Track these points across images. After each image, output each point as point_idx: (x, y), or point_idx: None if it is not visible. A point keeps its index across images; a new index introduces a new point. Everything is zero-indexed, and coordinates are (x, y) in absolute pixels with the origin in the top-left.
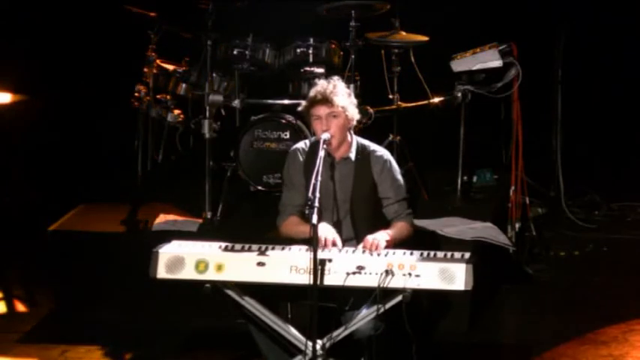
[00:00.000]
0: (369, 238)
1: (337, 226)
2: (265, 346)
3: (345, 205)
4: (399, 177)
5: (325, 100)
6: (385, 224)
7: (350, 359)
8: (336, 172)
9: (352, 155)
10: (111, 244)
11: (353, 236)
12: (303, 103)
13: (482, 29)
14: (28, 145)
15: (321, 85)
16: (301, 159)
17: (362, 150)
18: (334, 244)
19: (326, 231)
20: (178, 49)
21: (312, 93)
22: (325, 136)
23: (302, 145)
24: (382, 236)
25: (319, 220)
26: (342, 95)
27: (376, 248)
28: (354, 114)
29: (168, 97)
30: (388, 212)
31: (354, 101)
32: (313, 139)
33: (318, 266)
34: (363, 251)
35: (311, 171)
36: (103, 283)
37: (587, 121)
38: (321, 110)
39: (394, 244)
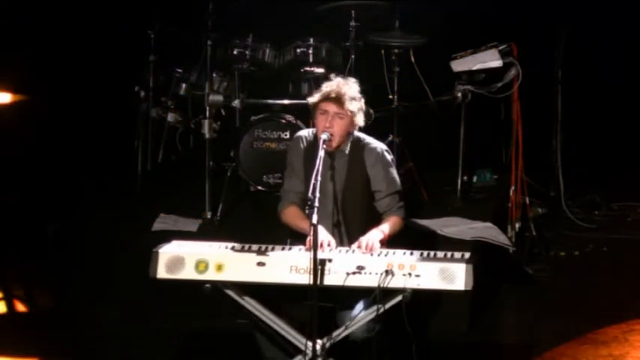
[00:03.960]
0: (363, 239)
1: (327, 218)
2: (265, 346)
3: (338, 197)
4: (393, 170)
5: (338, 100)
6: (377, 218)
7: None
8: (330, 167)
9: (346, 149)
10: (111, 244)
11: (344, 230)
12: (315, 94)
13: (482, 29)
14: (28, 144)
15: (337, 83)
16: (302, 147)
17: (356, 143)
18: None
19: (322, 235)
20: (178, 49)
21: (326, 88)
22: (325, 135)
23: (306, 133)
24: (376, 235)
25: (318, 219)
26: (355, 100)
27: (371, 250)
28: (360, 121)
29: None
30: (380, 206)
31: (363, 107)
32: (314, 130)
33: (318, 266)
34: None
35: (310, 162)
36: (103, 283)
37: (587, 121)
38: (330, 107)
39: (387, 239)
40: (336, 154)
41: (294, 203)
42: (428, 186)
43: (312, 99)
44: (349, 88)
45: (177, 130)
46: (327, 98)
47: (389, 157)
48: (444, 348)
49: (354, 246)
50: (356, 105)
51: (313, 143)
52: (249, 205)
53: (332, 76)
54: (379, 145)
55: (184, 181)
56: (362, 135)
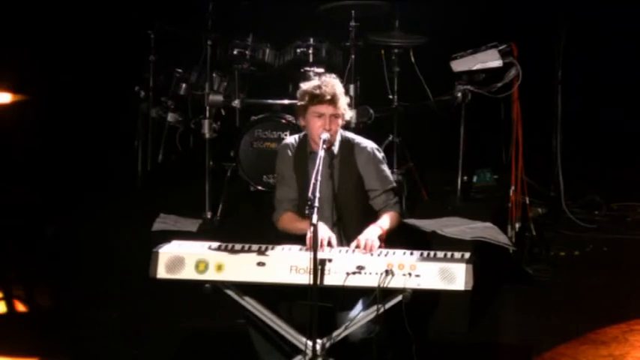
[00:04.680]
0: (361, 238)
1: (335, 227)
2: (262, 348)
3: (333, 199)
4: (385, 167)
5: (332, 101)
6: (372, 216)
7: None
8: (322, 169)
9: (335, 149)
10: (111, 244)
11: (342, 234)
12: (304, 96)
13: (482, 29)
14: (28, 144)
15: (326, 83)
16: (290, 154)
17: (346, 143)
18: (329, 244)
19: (322, 231)
20: (178, 49)
21: (315, 90)
22: (325, 136)
23: (291, 140)
24: (374, 232)
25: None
26: (343, 97)
27: (371, 249)
28: (348, 116)
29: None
30: (376, 203)
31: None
32: (302, 134)
33: (318, 266)
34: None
35: (301, 168)
36: (103, 283)
37: (587, 121)
38: (326, 109)
39: (386, 234)
40: (326, 155)
41: (288, 211)
42: (428, 186)
43: (302, 101)
44: (338, 86)
45: (177, 130)
46: (321, 101)
47: (379, 154)
48: (444, 348)
49: (353, 245)
50: (345, 101)
51: (300, 149)
52: (249, 205)
53: (311, 74)
54: (369, 144)
55: (184, 181)
56: (350, 134)
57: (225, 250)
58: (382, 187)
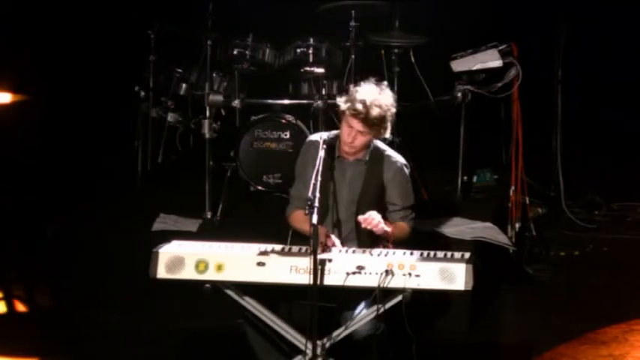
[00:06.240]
0: (369, 213)
1: (337, 225)
2: (261, 347)
3: (352, 206)
4: (409, 185)
5: (365, 120)
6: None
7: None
8: (347, 173)
9: (365, 157)
10: (111, 244)
11: (355, 237)
12: (347, 100)
13: (482, 29)
14: (28, 144)
15: (370, 100)
16: (313, 153)
17: (376, 152)
18: (333, 245)
19: (324, 236)
20: (178, 49)
21: (358, 104)
22: (325, 137)
23: (317, 137)
24: (379, 215)
25: (321, 221)
26: (383, 117)
27: (374, 225)
28: (385, 133)
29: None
30: (392, 217)
31: (393, 116)
32: (333, 134)
33: (318, 266)
34: (363, 251)
35: (325, 170)
36: (103, 283)
37: (587, 121)
38: (355, 124)
39: (393, 240)
40: (355, 162)
41: (299, 209)
42: (428, 186)
43: (342, 104)
44: (379, 108)
45: (177, 130)
46: (355, 115)
47: (407, 171)
48: (444, 348)
49: (360, 217)
50: (382, 123)
51: (328, 151)
52: (249, 205)
53: (371, 81)
54: (399, 160)
55: (184, 181)
56: (382, 145)
57: (225, 250)
58: (403, 203)
